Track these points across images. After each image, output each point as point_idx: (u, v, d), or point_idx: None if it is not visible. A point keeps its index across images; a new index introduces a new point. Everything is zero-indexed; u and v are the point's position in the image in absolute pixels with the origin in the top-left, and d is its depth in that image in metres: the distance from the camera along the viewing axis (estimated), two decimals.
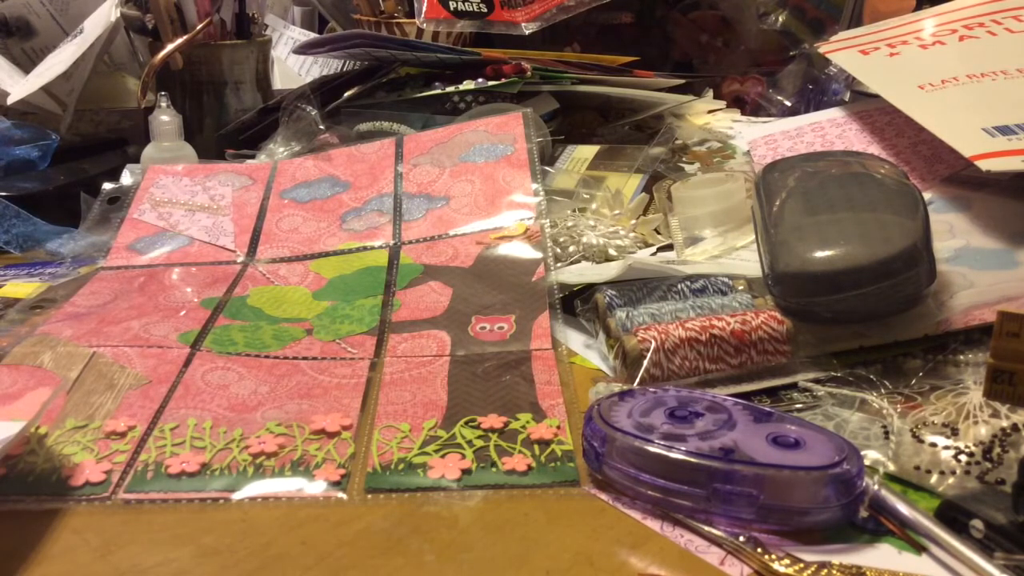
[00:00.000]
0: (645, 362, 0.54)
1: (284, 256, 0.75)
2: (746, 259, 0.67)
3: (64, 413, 0.53)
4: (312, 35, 1.32)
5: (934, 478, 0.45)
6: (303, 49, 1.07)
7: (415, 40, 1.03)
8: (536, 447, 0.49)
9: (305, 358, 0.60)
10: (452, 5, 1.03)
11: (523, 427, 0.51)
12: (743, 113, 1.05)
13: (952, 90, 0.74)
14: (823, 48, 0.93)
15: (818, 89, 1.03)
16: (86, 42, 0.96)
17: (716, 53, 1.18)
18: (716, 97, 1.07)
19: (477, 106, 0.91)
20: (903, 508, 0.42)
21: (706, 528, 0.42)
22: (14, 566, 0.41)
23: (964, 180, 0.70)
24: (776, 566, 0.40)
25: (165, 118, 0.89)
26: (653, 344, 0.54)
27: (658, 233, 0.76)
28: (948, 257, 0.61)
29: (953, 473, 0.45)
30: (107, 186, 0.84)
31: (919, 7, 1.04)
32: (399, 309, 0.65)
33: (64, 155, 0.92)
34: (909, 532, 0.42)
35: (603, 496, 0.46)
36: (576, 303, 0.64)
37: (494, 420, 0.51)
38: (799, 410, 0.51)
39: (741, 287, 0.60)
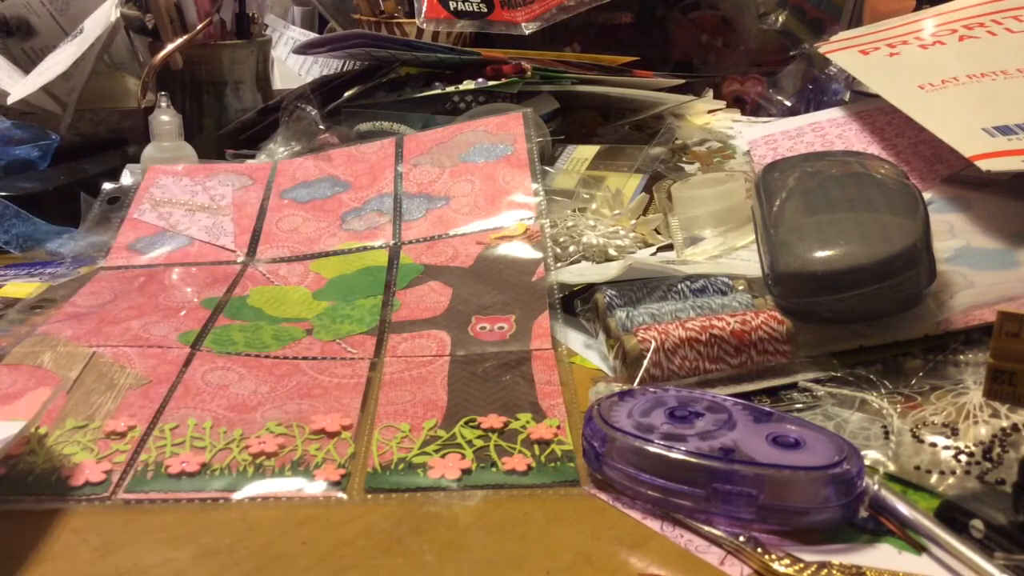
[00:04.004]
0: (645, 362, 0.54)
1: (284, 256, 0.75)
2: (746, 259, 0.67)
3: (64, 413, 0.53)
4: (312, 35, 1.32)
5: (934, 478, 0.45)
6: (303, 49, 1.07)
7: (415, 40, 1.03)
8: (536, 447, 0.49)
9: (305, 358, 0.60)
10: (452, 5, 1.03)
11: (523, 427, 0.51)
12: (743, 113, 1.05)
13: (952, 90, 0.74)
14: (823, 48, 0.92)
15: (818, 89, 1.03)
16: (86, 42, 0.96)
17: (716, 53, 1.18)
18: (716, 97, 1.07)
19: (477, 106, 0.91)
20: (903, 508, 0.42)
21: (706, 528, 0.42)
22: (14, 566, 0.41)
23: (964, 180, 0.70)
24: (776, 566, 0.40)
25: (165, 118, 0.89)
26: (653, 344, 0.54)
27: (658, 233, 0.76)
28: (948, 257, 0.61)
29: (953, 473, 0.45)
30: (107, 186, 0.84)
31: (919, 7, 1.04)
32: (399, 309, 0.65)
33: (64, 155, 0.92)
34: (909, 532, 0.42)
35: (603, 496, 0.46)
36: (576, 303, 0.64)
37: (494, 420, 0.51)
38: (799, 410, 0.51)
39: (741, 287, 0.60)
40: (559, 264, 0.70)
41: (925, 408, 0.50)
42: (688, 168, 0.87)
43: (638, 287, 0.61)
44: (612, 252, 0.72)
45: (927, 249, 0.54)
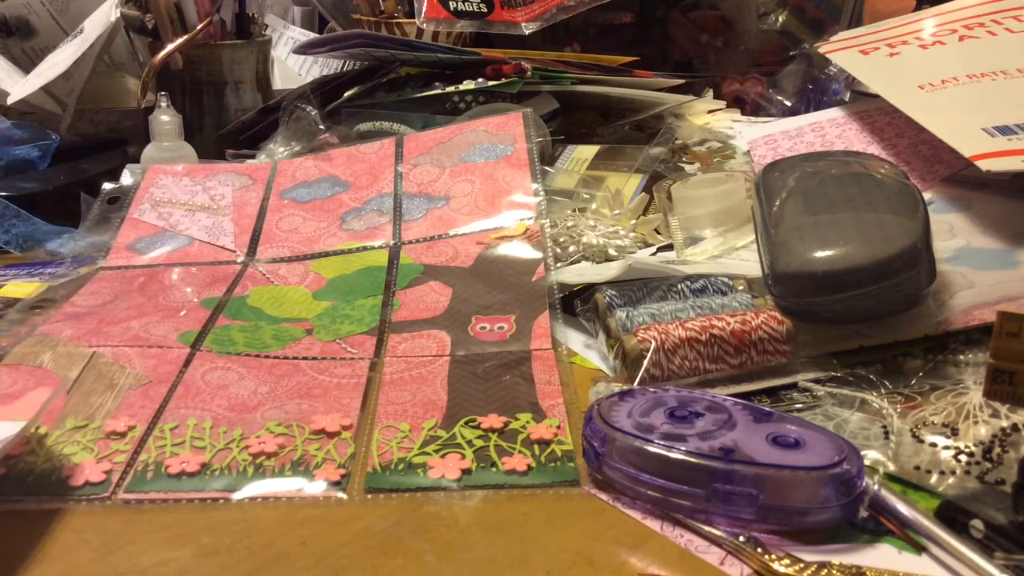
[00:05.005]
0: (645, 362, 0.54)
1: (284, 256, 0.75)
2: (746, 259, 0.67)
3: (64, 413, 0.53)
4: (312, 35, 1.32)
5: (934, 478, 0.45)
6: (303, 49, 1.07)
7: (415, 40, 1.03)
8: (536, 447, 0.49)
9: (305, 358, 0.60)
10: (452, 5, 1.03)
11: (523, 427, 0.51)
12: (743, 113, 1.05)
13: (952, 90, 0.75)
14: (823, 48, 0.93)
15: (818, 89, 1.03)
16: (86, 42, 0.96)
17: (716, 53, 1.18)
18: (716, 97, 1.07)
19: (477, 106, 0.91)
20: (903, 508, 0.42)
21: (706, 528, 0.42)
22: (14, 566, 0.41)
23: (964, 180, 0.70)
24: (776, 566, 0.40)
25: (165, 118, 0.89)
26: (653, 344, 0.54)
27: (658, 233, 0.76)
28: (948, 257, 0.61)
29: (953, 473, 0.45)
30: (107, 186, 0.84)
31: (919, 7, 1.04)
32: (399, 309, 0.65)
33: (64, 155, 0.92)
34: (909, 532, 0.42)
35: (603, 496, 0.46)
36: (576, 303, 0.64)
37: (494, 420, 0.51)
38: (799, 410, 0.51)
39: (741, 287, 0.60)
40: (559, 264, 0.70)
41: (925, 408, 0.50)
42: (688, 168, 0.87)
43: (638, 287, 0.61)
44: (612, 252, 0.72)
45: (927, 249, 0.54)
